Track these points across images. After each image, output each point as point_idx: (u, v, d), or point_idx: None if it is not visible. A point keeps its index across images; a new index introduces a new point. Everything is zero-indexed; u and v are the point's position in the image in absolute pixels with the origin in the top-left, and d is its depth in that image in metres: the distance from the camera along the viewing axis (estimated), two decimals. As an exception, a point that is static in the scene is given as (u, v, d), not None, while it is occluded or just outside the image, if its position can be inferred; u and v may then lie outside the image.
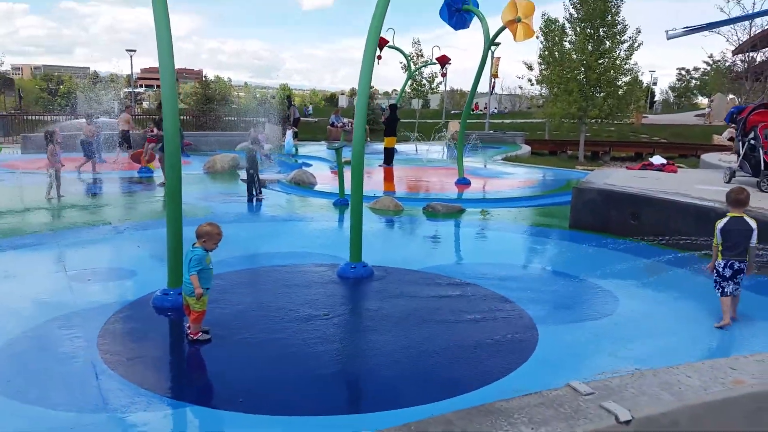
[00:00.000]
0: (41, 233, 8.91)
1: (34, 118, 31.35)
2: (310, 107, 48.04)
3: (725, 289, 5.68)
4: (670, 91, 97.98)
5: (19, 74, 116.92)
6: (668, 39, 11.66)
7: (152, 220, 9.92)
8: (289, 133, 24.18)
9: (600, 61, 24.06)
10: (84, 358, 4.67)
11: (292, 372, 4.61)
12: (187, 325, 5.09)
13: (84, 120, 18.21)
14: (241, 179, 15.67)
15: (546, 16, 25.68)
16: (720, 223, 5.71)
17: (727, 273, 5.63)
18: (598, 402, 3.16)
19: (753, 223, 5.62)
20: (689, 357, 4.89)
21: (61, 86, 75.48)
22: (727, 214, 5.77)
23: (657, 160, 12.85)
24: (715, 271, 5.73)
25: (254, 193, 12.29)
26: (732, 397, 3.34)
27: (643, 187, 9.72)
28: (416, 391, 4.31)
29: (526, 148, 27.93)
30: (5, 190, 13.35)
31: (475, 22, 13.52)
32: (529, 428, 2.90)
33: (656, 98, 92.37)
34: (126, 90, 53.13)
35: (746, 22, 25.77)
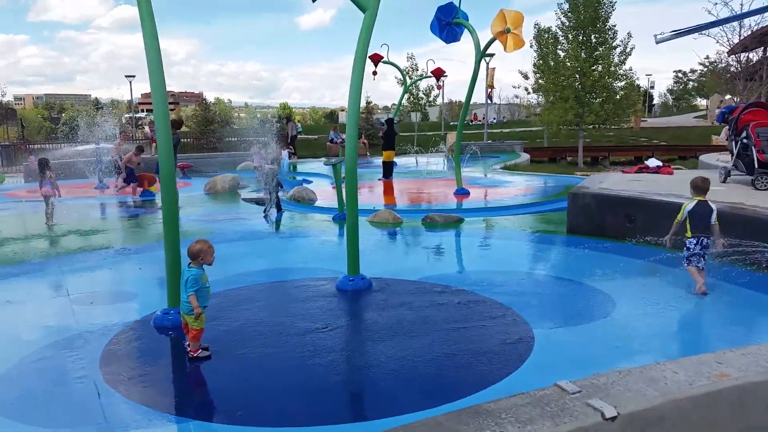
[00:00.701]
0: (45, 259, 9.04)
1: (37, 147, 31.69)
2: (299, 125, 48.28)
3: (692, 262, 6.65)
4: (668, 94, 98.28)
5: (21, 104, 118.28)
6: (657, 43, 11.83)
7: (153, 242, 10.04)
8: (285, 152, 24.40)
9: (594, 68, 24.25)
10: (86, 378, 4.77)
11: (290, 384, 4.69)
12: (187, 343, 5.18)
13: (131, 148, 18.55)
14: (243, 198, 15.86)
15: (538, 26, 25.93)
16: (689, 206, 6.69)
17: (698, 249, 6.57)
18: (584, 400, 3.23)
19: (714, 206, 6.68)
20: (684, 354, 4.95)
21: (63, 114, 76.23)
22: (694, 198, 6.80)
23: (652, 162, 12.94)
24: (686, 248, 6.67)
25: (268, 210, 12.88)
26: (716, 390, 3.40)
27: (638, 189, 9.80)
28: (414, 399, 4.38)
29: (525, 156, 28.05)
30: (9, 219, 13.52)
31: (467, 35, 13.71)
32: (515, 427, 2.97)
33: (655, 102, 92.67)
34: (127, 115, 53.59)
35: (735, 23, 25.96)
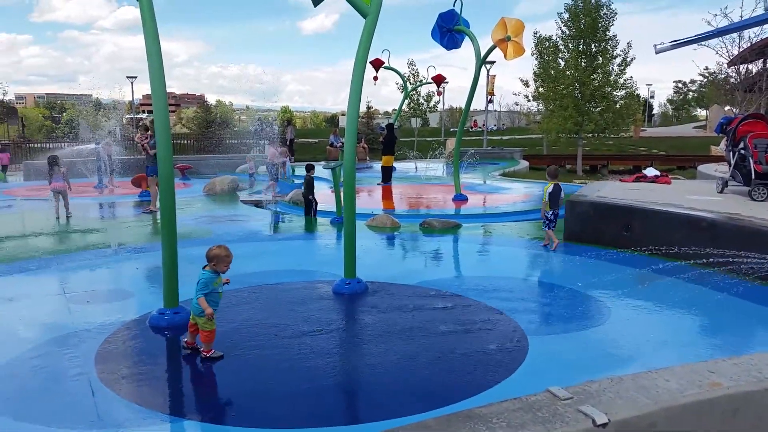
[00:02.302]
0: (43, 257, 9.05)
1: (37, 145, 31.71)
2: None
3: (550, 226, 9.52)
4: (668, 104, 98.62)
5: (22, 103, 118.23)
6: (656, 53, 11.84)
7: (151, 242, 10.06)
8: (287, 159, 24.34)
9: (593, 77, 24.34)
10: (81, 376, 4.77)
11: (284, 386, 4.70)
12: (185, 340, 5.22)
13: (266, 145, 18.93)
14: (241, 200, 15.87)
15: (539, 34, 26.02)
16: (549, 188, 9.46)
17: (552, 217, 9.46)
18: (576, 406, 3.24)
19: (560, 185, 9.60)
20: (676, 363, 4.97)
21: (64, 114, 76.21)
22: (550, 183, 9.47)
23: (650, 172, 12.98)
24: (546, 218, 9.53)
25: (312, 213, 13.05)
26: (708, 399, 3.42)
27: (635, 198, 9.83)
28: (406, 403, 4.40)
29: (524, 164, 28.11)
30: (8, 216, 13.52)
31: (468, 42, 13.77)
32: (506, 432, 2.98)
33: (654, 111, 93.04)
34: (128, 116, 53.70)
35: (735, 35, 26.05)
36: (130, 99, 53.35)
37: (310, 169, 13.59)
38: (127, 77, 49.00)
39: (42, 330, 5.90)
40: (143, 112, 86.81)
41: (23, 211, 14.40)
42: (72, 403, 4.35)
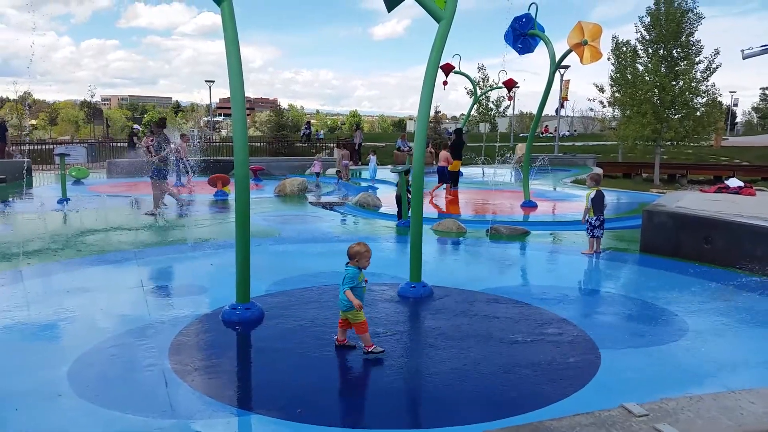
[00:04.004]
0: (123, 251, 9.48)
1: (119, 145, 33.34)
2: (321, 132, 48.73)
3: (594, 234, 9.49)
4: (753, 112, 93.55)
5: (107, 105, 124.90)
6: (744, 58, 11.31)
7: (225, 239, 10.36)
8: (373, 158, 24.49)
9: (674, 83, 23.37)
10: (155, 367, 4.96)
11: (348, 386, 4.74)
12: (336, 338, 5.38)
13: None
14: (310, 201, 16.14)
15: (616, 39, 25.23)
16: (591, 194, 9.53)
17: (597, 223, 9.44)
18: (651, 424, 3.12)
19: (603, 191, 9.72)
20: (759, 385, 4.68)
21: (145, 115, 79.91)
22: (593, 189, 9.59)
23: (733, 182, 12.32)
24: (590, 224, 9.49)
25: (406, 216, 12.80)
26: (799, 425, 3.20)
27: (717, 210, 9.37)
28: (470, 411, 4.33)
29: (597, 171, 27.29)
30: (92, 212, 14.26)
31: (542, 46, 13.51)
32: (577, 446, 2.89)
33: (738, 120, 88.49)
34: (205, 119, 55.72)
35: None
36: (208, 102, 55.31)
37: (407, 172, 13.54)
38: (205, 81, 50.82)
39: (120, 321, 6.17)
40: (220, 114, 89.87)
41: (107, 207, 15.12)
42: (146, 392, 4.52)
